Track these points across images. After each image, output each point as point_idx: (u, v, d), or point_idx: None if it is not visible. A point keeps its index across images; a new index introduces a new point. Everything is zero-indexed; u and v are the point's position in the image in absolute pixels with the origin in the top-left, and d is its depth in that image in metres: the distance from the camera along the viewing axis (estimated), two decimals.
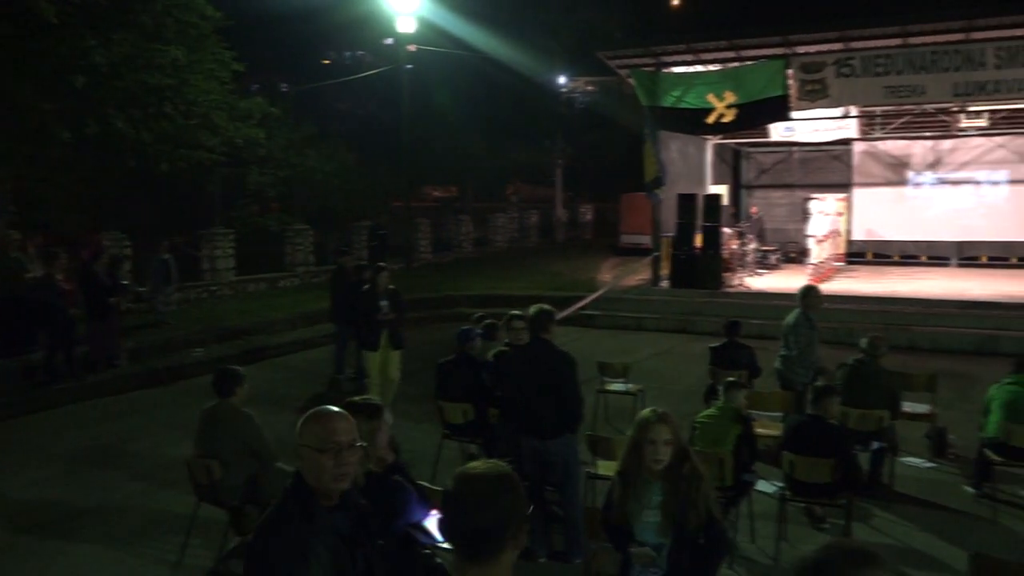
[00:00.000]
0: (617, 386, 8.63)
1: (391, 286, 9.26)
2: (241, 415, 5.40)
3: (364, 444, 2.68)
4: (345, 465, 2.53)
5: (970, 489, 6.71)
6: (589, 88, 29.35)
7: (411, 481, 3.88)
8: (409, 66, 23.03)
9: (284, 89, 29.19)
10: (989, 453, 6.42)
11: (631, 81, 15.95)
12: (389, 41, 26.47)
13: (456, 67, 28.71)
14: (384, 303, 8.99)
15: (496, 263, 23.36)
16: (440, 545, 3.83)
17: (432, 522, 3.83)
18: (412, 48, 22.77)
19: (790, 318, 7.70)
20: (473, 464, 2.07)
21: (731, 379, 6.10)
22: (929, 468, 7.38)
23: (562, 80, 30.31)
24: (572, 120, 32.90)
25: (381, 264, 9.70)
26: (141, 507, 6.63)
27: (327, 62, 36.67)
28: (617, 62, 16.49)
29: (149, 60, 14.28)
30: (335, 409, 2.63)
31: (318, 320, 13.86)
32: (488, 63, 28.79)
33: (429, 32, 24.24)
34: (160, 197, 21.33)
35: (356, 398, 3.73)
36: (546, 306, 5.63)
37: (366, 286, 9.31)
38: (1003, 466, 6.45)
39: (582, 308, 15.14)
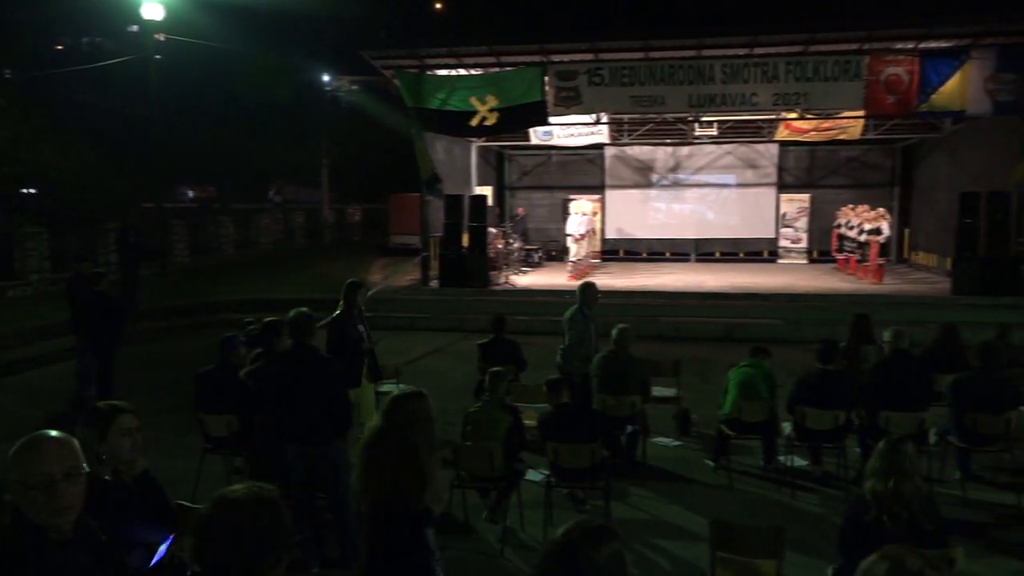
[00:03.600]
0: (389, 387, 8.61)
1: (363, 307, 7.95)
2: None
3: (86, 471, 2.41)
4: (60, 498, 2.26)
5: (710, 462, 7.43)
6: (354, 87, 28.99)
7: (161, 495, 3.57)
8: (158, 56, 21.47)
9: (8, 76, 26.02)
10: (725, 429, 7.16)
11: (396, 82, 15.97)
12: (134, 28, 24.52)
13: (213, 60, 27.15)
14: (361, 328, 7.75)
15: (261, 266, 22.42)
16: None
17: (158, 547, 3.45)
18: (160, 37, 21.24)
19: (568, 312, 8.17)
20: (234, 487, 1.97)
21: (494, 369, 6.29)
22: (676, 446, 8.09)
23: (326, 78, 29.69)
24: (338, 119, 32.31)
25: (356, 281, 8.20)
26: None
27: (61, 48, 33.19)
28: (381, 62, 16.43)
29: None
30: (50, 435, 2.34)
31: (57, 333, 12.51)
32: (249, 58, 27.53)
33: (182, 21, 22.72)
34: None
35: (101, 403, 3.44)
36: (305, 310, 5.51)
37: (338, 311, 7.79)
38: (737, 440, 7.25)
39: None
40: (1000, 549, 5.68)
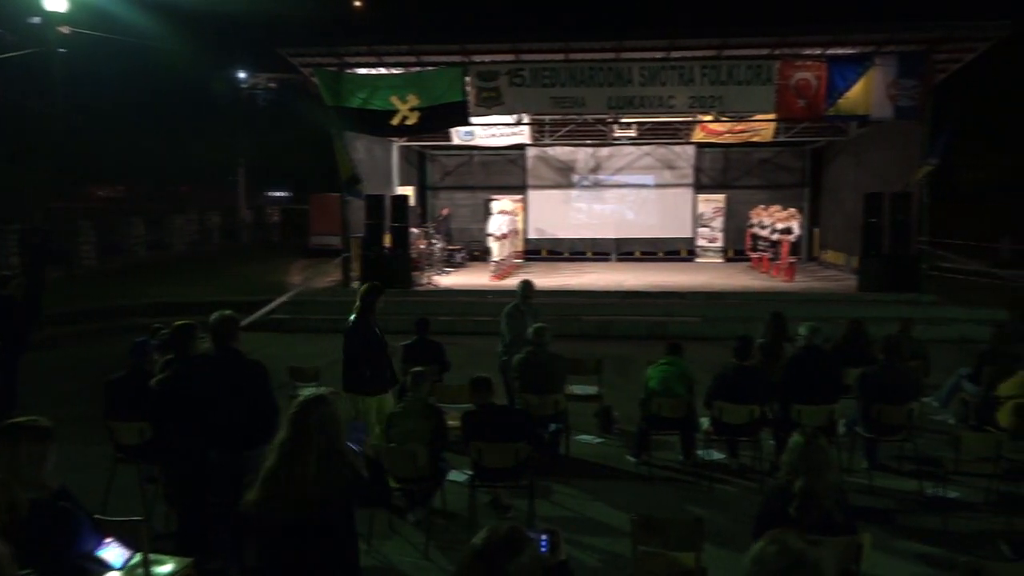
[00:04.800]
0: (309, 390, 8.42)
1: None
2: None
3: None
4: None
5: (631, 458, 7.56)
6: (271, 85, 28.44)
7: (80, 508, 3.51)
8: (62, 50, 20.58)
9: None
10: (646, 425, 7.30)
11: (315, 80, 15.71)
12: (36, 20, 23.39)
13: (124, 56, 26.16)
14: (378, 332, 7.29)
15: (175, 268, 21.74)
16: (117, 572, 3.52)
17: (107, 551, 3.51)
18: (65, 30, 20.37)
19: (507, 308, 8.35)
20: None
21: (416, 369, 6.25)
22: (599, 443, 8.20)
23: (242, 76, 29.01)
24: (256, 117, 31.61)
25: (377, 284, 7.58)
26: None
27: None
28: (299, 60, 16.14)
29: None
30: None
31: None
32: (162, 54, 26.64)
33: (89, 14, 21.84)
34: None
35: (20, 419, 3.29)
36: (228, 312, 5.36)
37: (356, 316, 7.24)
38: (657, 435, 7.39)
39: (271, 312, 14.64)
40: (904, 534, 5.95)
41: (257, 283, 18.13)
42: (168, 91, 28.51)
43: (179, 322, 5.74)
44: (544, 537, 2.36)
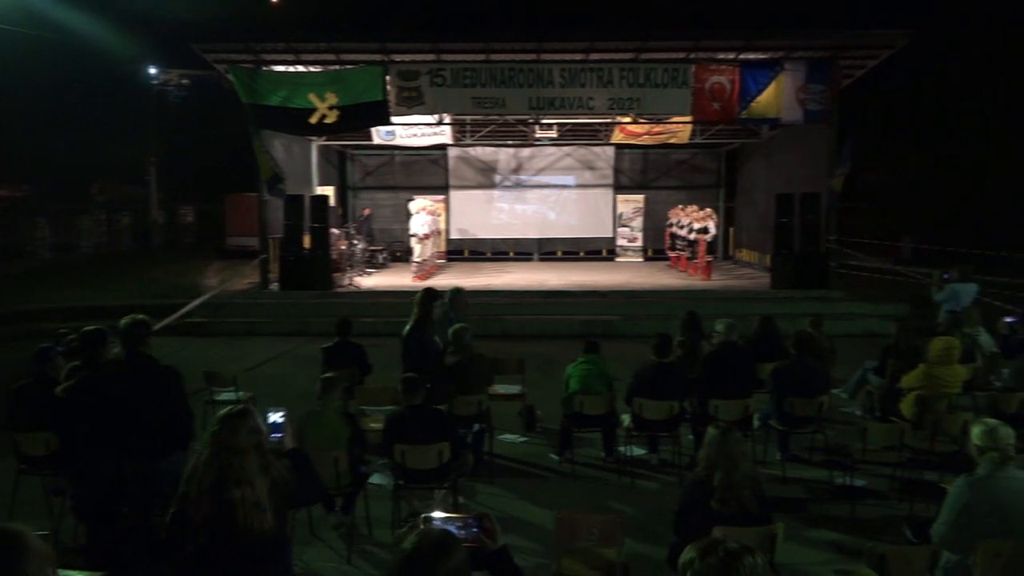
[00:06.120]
0: (227, 395, 8.25)
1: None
2: None
3: None
4: None
5: (555, 456, 7.63)
6: (184, 82, 27.63)
7: None
8: None
9: None
10: (568, 423, 7.37)
11: (230, 77, 15.32)
12: None
13: (25, 48, 24.97)
14: (438, 339, 7.00)
15: (83, 271, 20.87)
16: None
17: None
18: None
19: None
20: None
21: (326, 376, 6.14)
22: (522, 442, 8.25)
23: (153, 71, 28.04)
24: (168, 114, 30.59)
25: (433, 288, 7.32)
26: None
27: None
28: (213, 56, 15.70)
29: None
30: None
31: None
32: (67, 47, 25.54)
33: None
34: None
35: None
36: (141, 316, 5.17)
37: (414, 321, 6.94)
38: (579, 433, 7.48)
39: (185, 315, 14.19)
40: (816, 522, 6.17)
41: (171, 286, 17.57)
42: (75, 86, 27.32)
43: (88, 327, 5.52)
44: (474, 522, 2.33)
